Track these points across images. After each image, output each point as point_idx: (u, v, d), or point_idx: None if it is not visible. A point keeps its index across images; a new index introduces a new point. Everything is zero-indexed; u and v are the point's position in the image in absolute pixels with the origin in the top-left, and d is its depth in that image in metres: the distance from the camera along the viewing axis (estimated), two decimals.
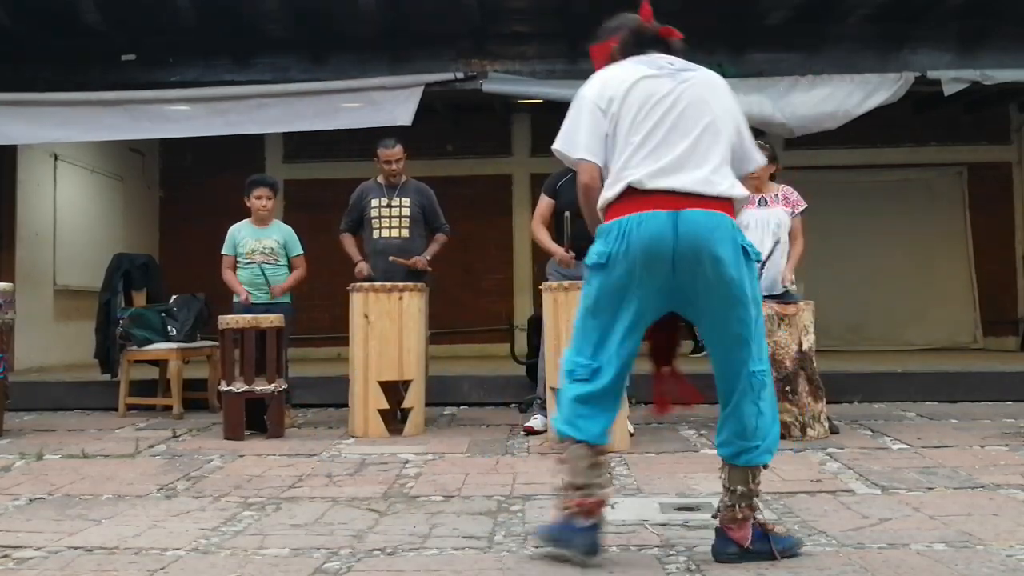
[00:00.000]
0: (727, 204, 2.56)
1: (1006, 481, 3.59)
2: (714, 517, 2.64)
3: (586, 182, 2.70)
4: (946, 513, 3.09)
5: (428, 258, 5.70)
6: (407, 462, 4.21)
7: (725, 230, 2.50)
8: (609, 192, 2.62)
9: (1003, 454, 4.23)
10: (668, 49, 2.79)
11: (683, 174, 2.54)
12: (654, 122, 2.60)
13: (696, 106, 2.62)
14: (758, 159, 2.81)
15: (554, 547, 2.59)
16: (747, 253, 2.54)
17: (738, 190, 2.60)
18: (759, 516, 2.64)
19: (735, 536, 2.57)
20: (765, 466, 2.63)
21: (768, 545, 2.57)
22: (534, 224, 5.38)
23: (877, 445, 4.52)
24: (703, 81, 2.69)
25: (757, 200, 5.15)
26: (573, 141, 2.70)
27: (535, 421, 5.05)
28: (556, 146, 2.74)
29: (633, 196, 2.55)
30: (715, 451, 4.41)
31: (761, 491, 2.66)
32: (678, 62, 2.74)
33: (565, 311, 4.50)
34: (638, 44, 2.79)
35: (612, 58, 2.84)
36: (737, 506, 2.58)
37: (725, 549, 2.59)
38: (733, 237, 2.51)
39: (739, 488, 2.58)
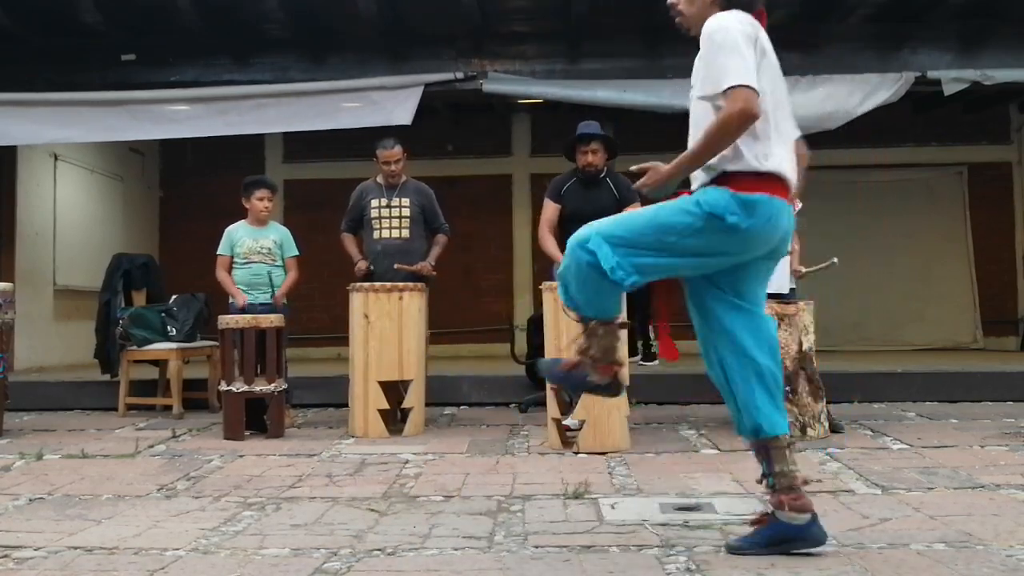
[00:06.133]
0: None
1: (1006, 481, 3.59)
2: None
3: (750, 109, 2.43)
4: (946, 513, 3.09)
5: (432, 263, 5.70)
6: (407, 462, 4.21)
7: None
8: (760, 162, 2.52)
9: (1003, 454, 4.23)
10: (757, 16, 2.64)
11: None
12: (782, 102, 2.62)
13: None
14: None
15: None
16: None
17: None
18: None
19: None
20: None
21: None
22: (541, 232, 5.40)
23: (877, 445, 4.52)
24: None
25: None
26: (748, 70, 2.45)
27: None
28: (734, 80, 2.43)
29: (776, 180, 2.57)
30: (715, 451, 4.41)
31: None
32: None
33: None
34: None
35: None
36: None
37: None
38: None
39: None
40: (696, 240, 2.53)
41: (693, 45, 2.71)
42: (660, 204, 2.64)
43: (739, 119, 2.44)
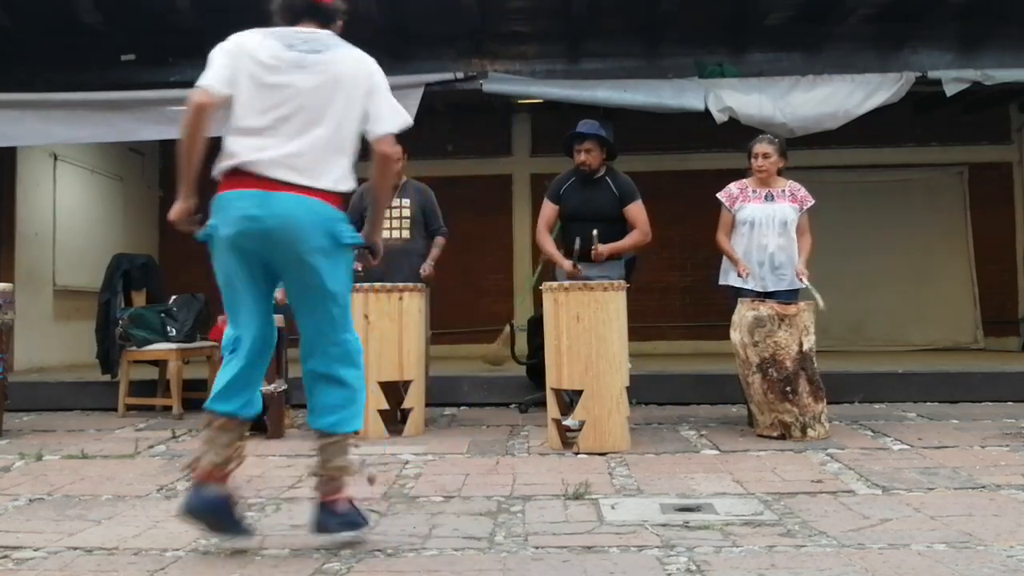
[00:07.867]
0: (327, 195, 2.78)
1: (1007, 481, 3.59)
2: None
3: (196, 102, 2.75)
4: (947, 514, 3.09)
5: (432, 264, 5.71)
6: (407, 462, 4.21)
7: (315, 215, 2.75)
8: (226, 161, 2.78)
9: (1004, 454, 4.22)
10: (325, 16, 2.96)
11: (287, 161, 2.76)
12: (269, 107, 2.79)
13: (315, 103, 2.82)
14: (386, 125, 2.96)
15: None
16: (339, 242, 2.80)
17: (344, 185, 2.81)
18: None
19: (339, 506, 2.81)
20: (356, 432, 2.91)
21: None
22: (540, 231, 5.42)
23: (878, 445, 4.52)
24: (331, 76, 2.86)
25: (764, 195, 5.15)
26: (210, 75, 2.81)
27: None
28: (196, 85, 2.79)
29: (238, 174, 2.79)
30: (715, 451, 4.41)
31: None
32: (315, 40, 2.89)
33: (565, 311, 4.50)
34: (290, 15, 2.99)
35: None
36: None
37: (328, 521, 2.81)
38: (325, 226, 2.76)
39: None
40: (217, 264, 2.88)
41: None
42: None
43: (188, 113, 2.77)
